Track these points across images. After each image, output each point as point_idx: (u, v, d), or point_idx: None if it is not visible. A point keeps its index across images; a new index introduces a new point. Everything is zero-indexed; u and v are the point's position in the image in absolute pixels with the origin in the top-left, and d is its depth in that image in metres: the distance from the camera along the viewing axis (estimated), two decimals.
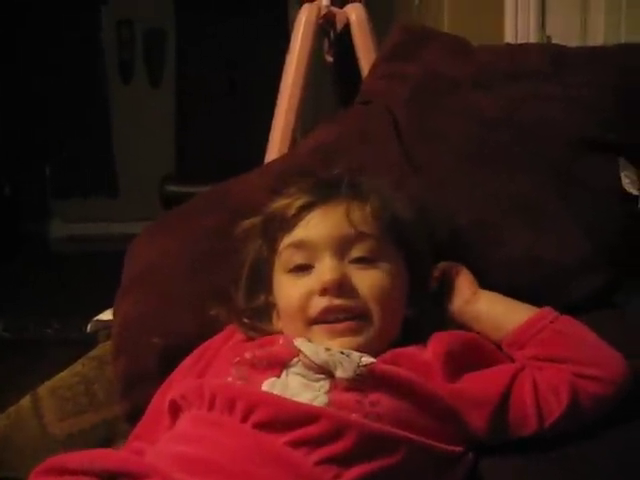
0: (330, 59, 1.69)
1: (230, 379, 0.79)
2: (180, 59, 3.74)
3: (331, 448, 0.70)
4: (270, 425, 0.72)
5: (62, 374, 1.03)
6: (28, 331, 2.68)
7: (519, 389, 0.78)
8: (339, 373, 0.75)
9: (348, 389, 0.75)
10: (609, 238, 0.95)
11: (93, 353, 1.06)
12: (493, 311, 0.86)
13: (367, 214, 0.84)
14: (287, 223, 0.85)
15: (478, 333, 0.86)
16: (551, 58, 1.08)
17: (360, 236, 0.83)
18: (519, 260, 0.94)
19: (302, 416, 0.72)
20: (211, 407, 0.76)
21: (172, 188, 2.61)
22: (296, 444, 0.70)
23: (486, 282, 0.90)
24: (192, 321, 0.96)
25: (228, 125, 3.41)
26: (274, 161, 1.15)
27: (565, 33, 1.74)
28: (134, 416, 0.94)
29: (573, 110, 1.02)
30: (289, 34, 1.63)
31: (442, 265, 0.90)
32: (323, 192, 0.86)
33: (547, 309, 0.84)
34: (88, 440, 0.95)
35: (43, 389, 1.01)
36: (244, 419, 0.73)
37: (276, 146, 1.40)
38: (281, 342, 0.82)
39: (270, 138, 1.44)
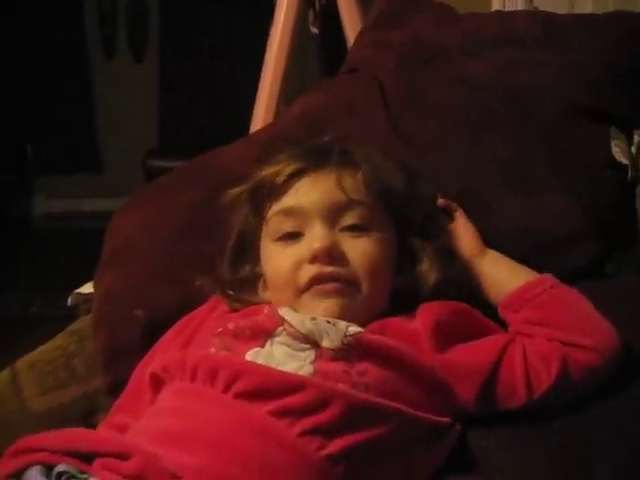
0: (315, 30, 1.66)
1: (213, 350, 0.77)
2: (164, 34, 3.69)
3: (316, 418, 0.68)
4: (253, 394, 0.70)
5: (42, 348, 1.00)
6: (10, 309, 2.64)
7: (509, 360, 0.77)
8: (325, 343, 0.74)
9: (334, 359, 0.73)
10: (599, 208, 0.93)
11: (73, 327, 1.04)
12: (496, 271, 0.86)
13: (359, 182, 0.82)
14: (276, 190, 0.83)
15: (476, 292, 0.85)
16: (541, 25, 1.06)
17: (352, 204, 0.81)
18: (507, 229, 0.92)
19: (286, 385, 0.70)
20: (193, 378, 0.74)
21: (156, 163, 2.56)
22: (279, 414, 0.69)
23: None
24: (174, 294, 0.93)
25: (213, 100, 3.37)
26: (258, 131, 1.12)
27: (553, 4, 1.72)
28: (116, 389, 0.92)
29: (564, 77, 1.00)
30: (274, 4, 1.60)
31: (441, 203, 0.90)
32: (314, 159, 0.84)
33: (548, 275, 0.83)
34: (68, 414, 0.93)
35: (22, 363, 0.98)
36: (226, 389, 0.71)
37: (261, 117, 1.37)
38: (266, 311, 0.80)
39: (255, 109, 1.42)
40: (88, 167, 3.56)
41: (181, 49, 3.61)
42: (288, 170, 0.83)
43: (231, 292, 0.86)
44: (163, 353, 0.84)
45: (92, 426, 0.91)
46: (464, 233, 0.89)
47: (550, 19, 1.07)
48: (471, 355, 0.78)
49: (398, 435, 0.71)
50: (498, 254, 0.87)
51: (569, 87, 1.00)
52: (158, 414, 0.75)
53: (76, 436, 0.70)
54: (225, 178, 0.98)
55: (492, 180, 0.95)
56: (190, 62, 3.55)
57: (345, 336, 0.74)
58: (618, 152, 0.95)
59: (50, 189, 3.60)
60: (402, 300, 0.82)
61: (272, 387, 0.70)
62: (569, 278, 0.86)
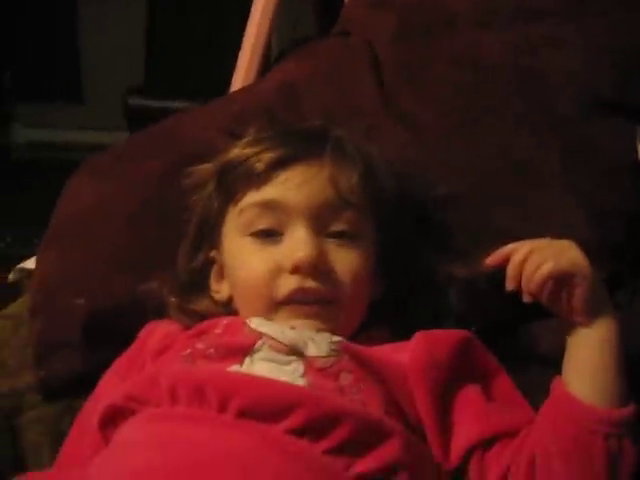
0: None
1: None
2: None
3: (336, 435, 0.60)
4: (257, 412, 0.60)
5: None
6: None
7: (488, 461, 0.64)
8: (312, 351, 0.65)
9: (324, 370, 0.64)
10: (613, 220, 0.80)
11: (9, 310, 0.91)
12: (585, 365, 0.65)
13: (354, 182, 0.71)
14: (254, 176, 0.71)
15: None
16: None
17: (344, 206, 0.70)
18: (503, 234, 0.79)
19: (290, 399, 0.60)
20: (174, 400, 0.62)
21: (137, 101, 2.42)
22: (295, 432, 0.59)
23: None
24: (125, 285, 0.82)
25: (201, 39, 3.19)
26: (232, 96, 0.98)
27: None
28: (47, 388, 0.82)
29: (589, 62, 0.86)
30: None
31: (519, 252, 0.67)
32: (304, 146, 0.72)
33: (618, 418, 0.62)
34: None
35: None
36: (222, 408, 0.60)
37: (242, 76, 1.22)
38: (226, 323, 0.70)
39: (237, 66, 1.27)
40: (69, 96, 3.41)
41: None
42: (272, 155, 0.71)
43: (175, 300, 0.75)
44: (110, 389, 0.72)
45: (15, 427, 0.81)
46: (576, 292, 0.65)
47: None
48: (454, 421, 0.66)
49: (405, 456, 0.61)
50: (606, 337, 0.65)
51: (594, 75, 0.86)
52: (129, 449, 0.62)
53: None
54: (191, 151, 0.87)
55: (492, 182, 0.82)
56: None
57: (332, 342, 0.66)
58: None
59: (30, 117, 3.46)
60: (393, 320, 0.72)
61: (276, 402, 0.60)
62: None
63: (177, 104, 2.33)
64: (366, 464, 0.60)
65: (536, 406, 0.67)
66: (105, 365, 0.78)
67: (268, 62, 1.28)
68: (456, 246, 0.78)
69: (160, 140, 0.93)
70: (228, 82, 1.35)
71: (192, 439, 0.59)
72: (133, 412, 0.65)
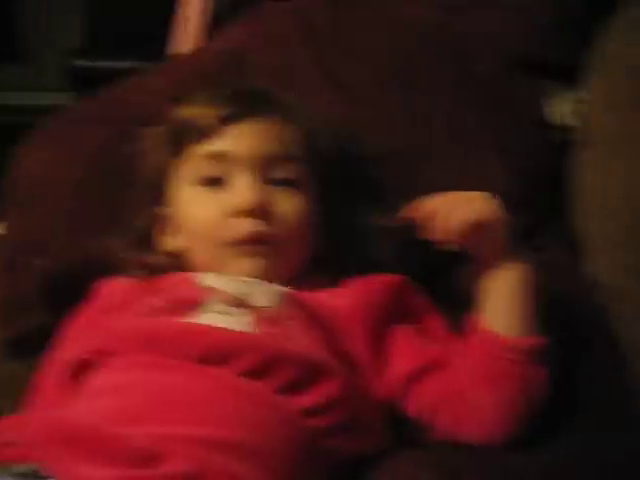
0: None
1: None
2: None
3: (279, 377, 0.67)
4: (213, 358, 0.67)
5: None
6: None
7: (422, 388, 0.72)
8: (259, 301, 0.72)
9: (273, 318, 0.71)
10: (528, 172, 0.88)
11: None
12: (497, 299, 0.72)
13: (297, 137, 0.78)
14: (202, 132, 0.77)
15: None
16: None
17: (288, 158, 0.77)
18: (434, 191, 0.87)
19: (242, 344, 0.68)
20: (133, 349, 0.69)
21: (81, 62, 2.39)
22: (246, 374, 0.66)
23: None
24: (80, 241, 0.87)
25: None
26: (176, 63, 1.02)
27: None
28: (14, 345, 0.88)
29: (509, 22, 0.93)
30: None
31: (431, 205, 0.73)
32: (250, 105, 0.78)
33: (531, 345, 0.70)
34: None
35: None
36: (181, 355, 0.67)
37: (183, 38, 1.24)
38: (176, 279, 0.76)
39: (176, 28, 1.29)
40: (7, 57, 3.32)
41: None
42: (220, 112, 0.77)
43: (126, 254, 0.80)
44: (73, 343, 0.77)
45: None
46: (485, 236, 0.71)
47: None
48: (390, 355, 0.73)
49: (344, 394, 0.69)
50: (515, 280, 0.71)
51: (511, 35, 0.93)
52: (102, 394, 0.68)
53: (28, 427, 0.64)
54: (137, 117, 0.90)
55: (422, 138, 0.88)
56: None
57: (277, 293, 0.73)
58: (553, 111, 0.89)
59: None
60: (330, 267, 0.79)
61: (229, 348, 0.67)
62: None
63: (121, 64, 2.32)
64: (307, 400, 0.67)
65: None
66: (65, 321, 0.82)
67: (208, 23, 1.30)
68: (386, 199, 0.84)
69: (108, 107, 0.96)
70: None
71: (155, 382, 0.66)
72: (99, 364, 0.70)
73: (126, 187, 0.85)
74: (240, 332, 0.69)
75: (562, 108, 0.90)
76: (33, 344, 0.85)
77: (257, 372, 0.67)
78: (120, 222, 0.83)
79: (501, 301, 0.71)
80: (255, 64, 0.92)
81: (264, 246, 0.75)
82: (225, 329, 0.69)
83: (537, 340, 0.70)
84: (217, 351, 0.67)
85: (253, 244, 0.75)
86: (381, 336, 0.74)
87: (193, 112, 0.78)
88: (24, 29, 3.32)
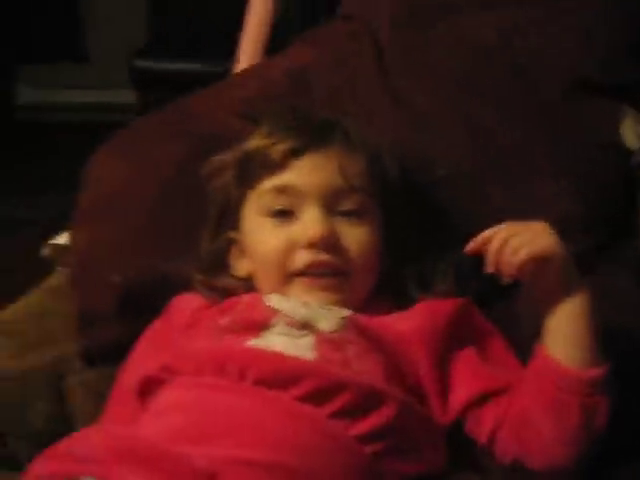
0: None
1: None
2: None
3: (338, 402, 0.69)
4: (270, 382, 0.70)
5: (14, 306, 0.98)
6: None
7: (484, 412, 0.74)
8: (322, 325, 0.74)
9: (333, 342, 0.74)
10: (596, 195, 0.88)
11: (48, 283, 1.00)
12: (561, 330, 0.73)
13: (361, 167, 0.80)
14: (270, 164, 0.80)
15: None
16: None
17: (352, 189, 0.79)
18: (495, 217, 0.87)
19: (298, 371, 0.70)
20: (200, 371, 0.73)
21: (143, 63, 2.45)
22: (303, 399, 0.69)
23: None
24: (156, 260, 0.90)
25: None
26: (241, 81, 1.04)
27: None
28: (89, 357, 0.92)
29: (572, 42, 0.93)
30: None
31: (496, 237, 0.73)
32: (314, 137, 0.81)
33: (591, 377, 0.71)
34: (41, 377, 0.90)
35: None
36: (241, 378, 0.71)
37: (248, 53, 1.27)
38: (246, 300, 0.79)
39: (241, 44, 1.31)
40: (72, 56, 3.41)
41: None
42: (286, 146, 0.80)
43: (201, 277, 0.84)
44: (142, 363, 0.81)
45: (62, 390, 0.90)
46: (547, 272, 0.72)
47: None
48: (454, 379, 0.75)
49: (401, 420, 0.71)
50: (578, 309, 0.72)
51: (576, 55, 0.92)
52: (167, 412, 0.72)
53: (95, 442, 0.67)
54: (208, 135, 0.94)
55: (485, 161, 0.89)
56: None
57: (341, 318, 0.75)
58: (628, 134, 0.89)
59: (34, 78, 3.47)
60: (387, 288, 0.81)
61: (286, 374, 0.70)
62: None
63: (184, 66, 2.37)
64: (363, 426, 0.69)
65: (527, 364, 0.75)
66: (138, 334, 0.86)
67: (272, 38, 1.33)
68: (451, 222, 0.86)
69: (176, 122, 0.99)
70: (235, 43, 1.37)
71: (217, 404, 0.70)
72: (167, 381, 0.75)
73: (198, 206, 0.88)
74: (301, 359, 0.72)
75: (634, 130, 0.89)
76: (109, 356, 0.90)
77: (314, 397, 0.69)
78: (194, 243, 0.86)
79: (561, 332, 0.72)
80: (320, 85, 0.95)
81: (331, 278, 0.78)
82: (287, 355, 0.72)
83: (598, 371, 0.71)
84: (277, 376, 0.70)
85: (321, 276, 0.78)
86: (444, 360, 0.76)
87: (261, 144, 0.81)
88: (89, 29, 3.41)
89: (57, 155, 2.98)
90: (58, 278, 1.01)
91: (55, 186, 2.61)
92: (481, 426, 0.74)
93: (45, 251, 1.06)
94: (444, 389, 0.75)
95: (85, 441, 0.67)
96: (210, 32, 2.52)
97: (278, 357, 0.72)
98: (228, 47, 1.42)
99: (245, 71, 1.14)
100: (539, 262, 0.71)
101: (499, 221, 0.75)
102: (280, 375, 0.70)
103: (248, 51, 1.29)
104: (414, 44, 0.96)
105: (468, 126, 0.91)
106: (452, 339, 0.77)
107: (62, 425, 0.88)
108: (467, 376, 0.75)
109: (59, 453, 0.67)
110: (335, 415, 0.69)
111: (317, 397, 0.69)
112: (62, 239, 1.06)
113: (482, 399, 0.74)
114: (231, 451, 0.65)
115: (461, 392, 0.75)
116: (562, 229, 0.82)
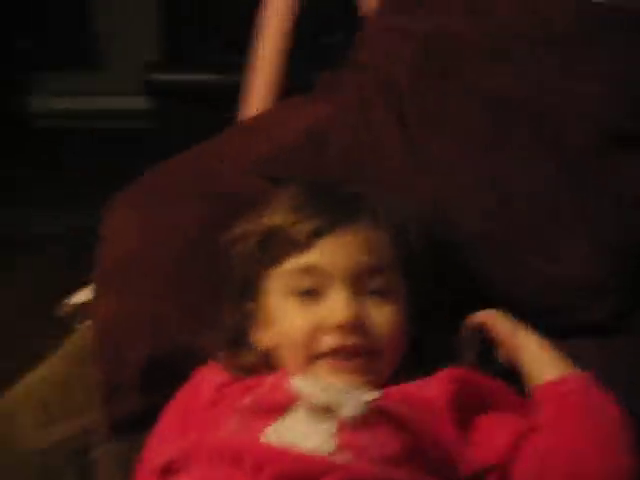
0: None
1: (232, 427, 0.74)
2: None
3: None
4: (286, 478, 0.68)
5: (36, 372, 0.96)
6: (7, 226, 2.50)
7: (523, 453, 0.73)
8: (345, 412, 0.72)
9: (355, 428, 0.71)
10: (628, 255, 0.85)
11: (66, 350, 0.99)
12: (532, 362, 0.80)
13: (386, 244, 0.79)
14: (294, 243, 0.78)
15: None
16: (589, 19, 0.91)
17: (378, 268, 0.78)
18: (524, 278, 0.86)
19: (316, 470, 0.68)
20: (214, 464, 0.71)
21: (158, 76, 2.41)
22: None
23: (496, 300, 0.83)
24: (180, 331, 0.88)
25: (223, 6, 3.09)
26: (256, 137, 0.99)
27: None
28: (114, 425, 0.90)
29: (604, 93, 0.88)
30: None
31: (473, 320, 0.83)
32: (339, 215, 0.78)
33: (579, 376, 0.77)
34: (64, 452, 0.89)
35: (18, 390, 0.94)
36: (256, 473, 0.69)
37: (258, 96, 1.22)
38: (270, 381, 0.77)
39: (250, 84, 1.26)
40: (87, 63, 3.39)
41: None
42: (310, 225, 0.77)
43: (229, 351, 0.82)
44: (167, 440, 0.80)
45: (86, 464, 0.88)
46: (495, 332, 0.82)
47: (593, 11, 0.93)
48: (488, 434, 0.74)
49: None
50: (535, 341, 0.80)
51: (609, 107, 0.88)
52: None
53: None
54: (228, 195, 0.92)
55: (511, 219, 0.86)
56: None
57: (364, 403, 0.73)
58: None
59: (49, 86, 3.45)
60: (419, 361, 0.80)
61: (302, 472, 0.68)
62: (589, 332, 0.82)
63: (198, 77, 2.34)
64: None
65: None
66: (163, 403, 0.84)
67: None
68: (477, 284, 0.84)
69: (197, 178, 0.96)
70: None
71: None
72: (181, 469, 0.73)
73: (222, 277, 0.85)
74: (318, 456, 0.70)
75: None
76: (135, 424, 0.88)
77: None
78: (218, 312, 0.84)
79: (535, 364, 0.78)
80: (338, 145, 0.92)
81: (358, 360, 0.76)
82: (305, 451, 0.70)
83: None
84: (292, 475, 0.68)
85: (348, 358, 0.76)
86: (469, 418, 0.75)
87: (285, 222, 0.78)
88: (99, 35, 3.38)
89: (75, 162, 2.97)
90: (79, 339, 0.99)
91: (74, 197, 2.61)
92: (524, 469, 0.73)
93: (62, 311, 1.05)
94: (471, 445, 0.74)
95: None
96: (224, 41, 2.48)
97: (294, 456, 0.70)
98: (242, 58, 1.35)
99: (258, 123, 1.07)
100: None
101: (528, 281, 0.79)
102: (296, 474, 0.68)
103: (259, 88, 1.22)
104: (433, 95, 0.92)
105: (492, 181, 0.88)
106: (474, 400, 0.76)
107: None
108: (496, 427, 0.75)
109: None
110: None
111: None
112: (80, 297, 1.05)
113: (517, 442, 0.73)
114: None
115: (500, 438, 0.74)
116: (593, 292, 0.81)
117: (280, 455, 0.70)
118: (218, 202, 0.92)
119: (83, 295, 1.03)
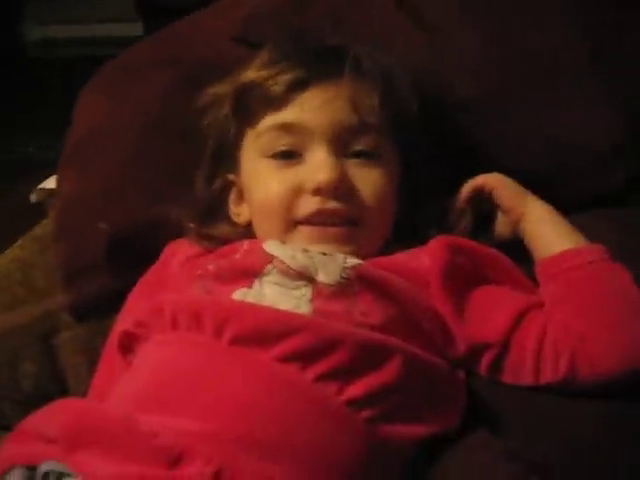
0: None
1: (194, 292, 0.67)
2: None
3: (327, 362, 0.60)
4: (249, 339, 0.60)
5: (6, 256, 0.89)
6: (5, 151, 2.47)
7: (525, 331, 0.66)
8: (321, 277, 0.64)
9: (334, 296, 0.64)
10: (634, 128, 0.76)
11: (35, 232, 0.92)
12: (540, 232, 0.73)
13: (375, 102, 0.70)
14: (271, 99, 0.70)
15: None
16: None
17: (365, 127, 0.69)
18: (533, 140, 0.77)
19: (286, 327, 0.60)
20: (175, 326, 0.64)
21: None
22: (286, 359, 0.59)
23: (493, 167, 0.75)
24: (145, 203, 0.81)
25: None
26: (236, 4, 0.91)
27: None
28: (78, 310, 0.84)
29: None
30: None
31: (474, 183, 0.75)
32: (322, 67, 0.70)
33: (594, 247, 0.70)
34: (28, 335, 0.83)
35: None
36: (217, 335, 0.61)
37: None
38: (245, 247, 0.70)
39: None
40: None
41: None
42: (289, 77, 0.69)
43: (194, 225, 0.75)
44: (136, 312, 0.72)
45: (52, 347, 0.83)
46: (499, 196, 0.75)
47: None
48: (486, 310, 0.67)
49: (407, 377, 0.62)
50: (545, 210, 0.74)
51: None
52: (135, 374, 0.64)
53: (59, 420, 0.58)
54: (198, 61, 0.85)
55: (517, 78, 0.78)
56: None
57: (343, 269, 0.65)
58: None
59: (42, 14, 3.36)
60: (405, 232, 0.72)
61: (270, 329, 0.60)
62: (602, 204, 0.75)
63: None
64: (359, 388, 0.60)
65: None
66: (131, 284, 0.79)
67: None
68: (470, 151, 0.76)
69: (166, 49, 0.89)
70: None
71: (186, 365, 0.61)
72: (144, 338, 0.67)
73: (189, 143, 0.79)
74: (288, 312, 0.63)
75: None
76: (100, 309, 0.82)
77: (301, 357, 0.60)
78: (184, 182, 0.77)
79: (542, 234, 0.72)
80: (324, 2, 0.83)
81: (341, 227, 0.69)
82: (274, 308, 0.63)
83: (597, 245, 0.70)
84: (258, 333, 0.60)
85: (329, 225, 0.68)
86: (465, 290, 0.68)
87: (259, 75, 0.70)
88: None
89: (71, 90, 2.88)
90: (43, 227, 0.93)
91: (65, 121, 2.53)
92: (526, 337, 0.66)
93: (34, 196, 0.98)
94: (472, 319, 0.67)
95: (51, 417, 0.59)
96: None
97: (261, 310, 0.62)
98: None
99: None
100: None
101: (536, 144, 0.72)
102: (262, 331, 0.60)
103: None
104: None
105: (495, 36, 0.79)
106: (470, 270, 0.69)
107: (53, 386, 0.82)
108: (500, 299, 0.68)
109: (25, 431, 0.59)
110: (324, 377, 0.59)
111: (304, 357, 0.59)
112: (51, 183, 0.97)
113: (520, 318, 0.66)
114: (199, 424, 0.56)
115: (500, 315, 0.66)
116: (611, 156, 0.74)
117: (245, 309, 0.62)
118: (183, 72, 0.85)
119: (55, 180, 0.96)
